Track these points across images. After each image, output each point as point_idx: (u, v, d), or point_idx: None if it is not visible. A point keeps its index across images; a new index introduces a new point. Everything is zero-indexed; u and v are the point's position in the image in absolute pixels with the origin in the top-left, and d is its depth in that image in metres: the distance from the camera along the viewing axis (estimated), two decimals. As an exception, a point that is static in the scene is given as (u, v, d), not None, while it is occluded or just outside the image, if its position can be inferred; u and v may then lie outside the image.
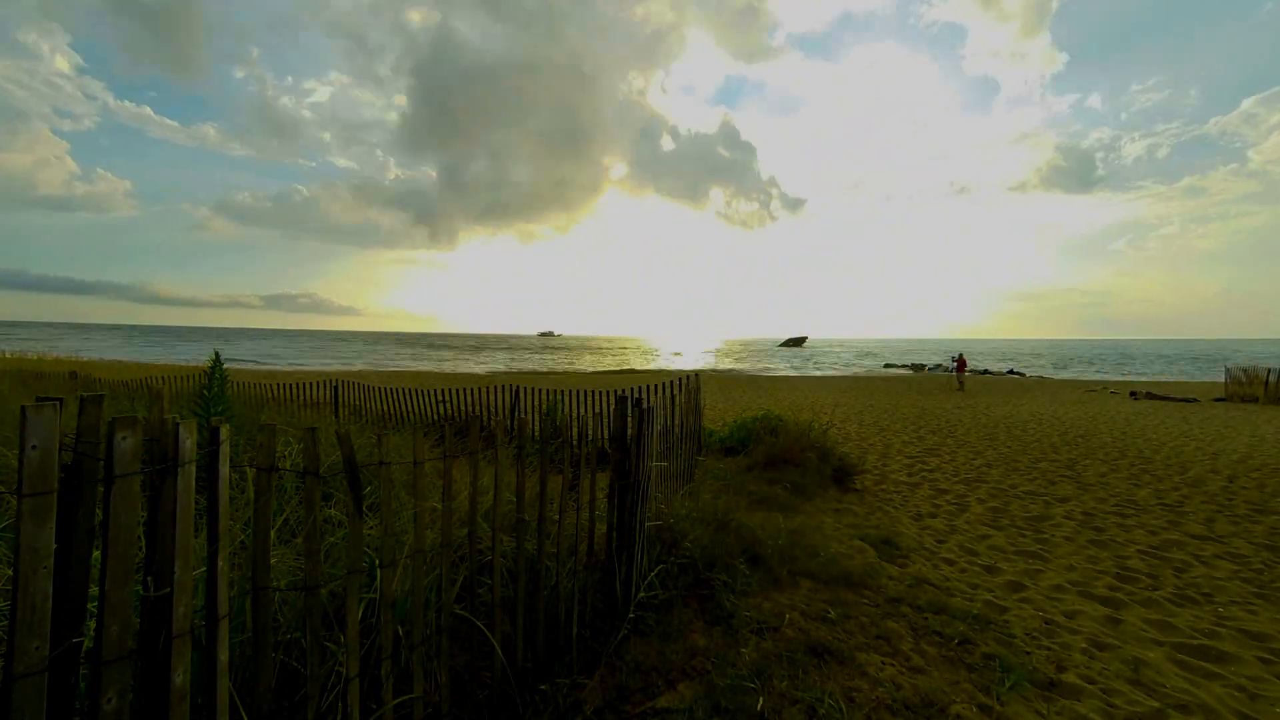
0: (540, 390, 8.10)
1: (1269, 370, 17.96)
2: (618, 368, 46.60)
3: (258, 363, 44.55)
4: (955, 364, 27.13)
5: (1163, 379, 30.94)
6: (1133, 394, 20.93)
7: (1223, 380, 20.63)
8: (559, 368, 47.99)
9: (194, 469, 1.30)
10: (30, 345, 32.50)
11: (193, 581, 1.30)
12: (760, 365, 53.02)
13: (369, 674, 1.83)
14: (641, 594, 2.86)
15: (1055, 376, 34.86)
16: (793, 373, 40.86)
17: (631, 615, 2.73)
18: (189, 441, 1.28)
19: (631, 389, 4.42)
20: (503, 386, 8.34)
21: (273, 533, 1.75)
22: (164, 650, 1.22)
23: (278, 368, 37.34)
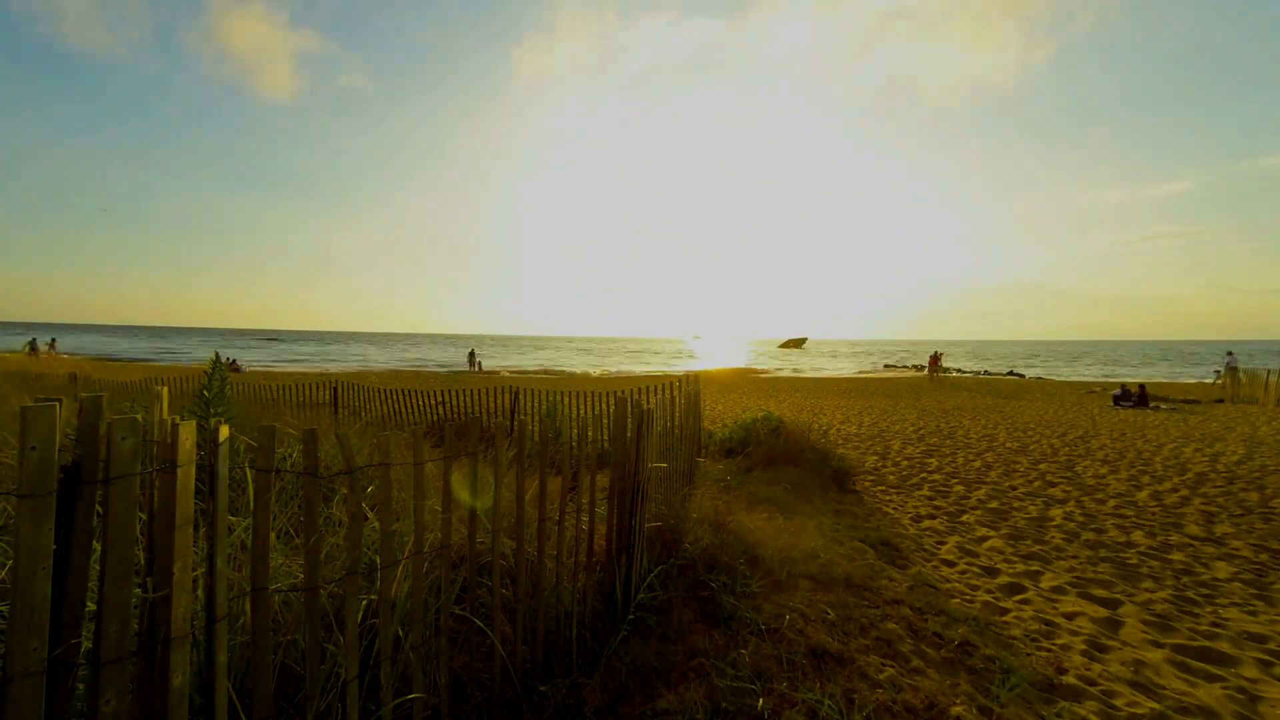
0: (540, 391, 8.11)
1: (1269, 371, 17.98)
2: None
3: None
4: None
5: (1159, 379, 30.95)
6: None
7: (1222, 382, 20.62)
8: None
9: (193, 470, 1.30)
10: None
11: (191, 582, 1.30)
12: (760, 365, 53.05)
13: (368, 675, 1.83)
14: (641, 595, 2.86)
15: (1054, 378, 34.90)
16: (792, 373, 40.89)
17: (631, 616, 2.73)
18: (188, 442, 1.28)
19: (631, 390, 4.42)
20: (503, 388, 8.35)
21: (272, 534, 1.74)
22: (163, 651, 1.22)
23: (277, 368, 37.32)
